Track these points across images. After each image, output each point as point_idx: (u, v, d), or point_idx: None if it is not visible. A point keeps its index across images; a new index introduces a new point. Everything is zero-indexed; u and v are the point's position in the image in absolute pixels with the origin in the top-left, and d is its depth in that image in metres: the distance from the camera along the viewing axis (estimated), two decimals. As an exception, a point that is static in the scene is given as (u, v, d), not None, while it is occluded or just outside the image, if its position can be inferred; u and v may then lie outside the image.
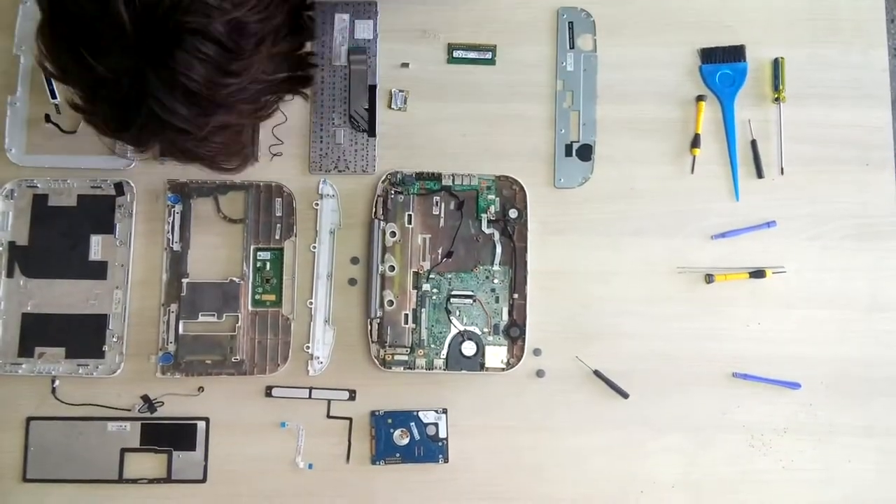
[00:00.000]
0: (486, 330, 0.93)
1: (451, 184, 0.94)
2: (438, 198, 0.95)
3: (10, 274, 0.93)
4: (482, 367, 0.92)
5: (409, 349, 0.92)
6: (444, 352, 0.93)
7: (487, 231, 0.94)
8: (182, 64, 0.53)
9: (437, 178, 0.94)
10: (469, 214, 0.95)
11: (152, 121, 0.59)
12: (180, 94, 0.55)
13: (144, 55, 0.52)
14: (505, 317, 0.94)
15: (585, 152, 0.97)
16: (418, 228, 0.94)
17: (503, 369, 0.93)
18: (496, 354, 0.93)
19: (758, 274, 0.95)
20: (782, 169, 0.97)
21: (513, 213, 0.94)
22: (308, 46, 0.63)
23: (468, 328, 0.93)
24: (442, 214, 0.95)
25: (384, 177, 0.94)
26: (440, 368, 0.92)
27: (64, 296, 0.93)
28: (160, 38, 0.52)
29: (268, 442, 0.92)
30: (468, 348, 0.93)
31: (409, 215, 0.94)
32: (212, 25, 0.52)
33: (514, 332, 0.93)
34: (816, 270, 0.96)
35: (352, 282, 0.94)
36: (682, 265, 0.96)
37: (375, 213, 0.93)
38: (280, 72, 0.61)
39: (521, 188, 0.94)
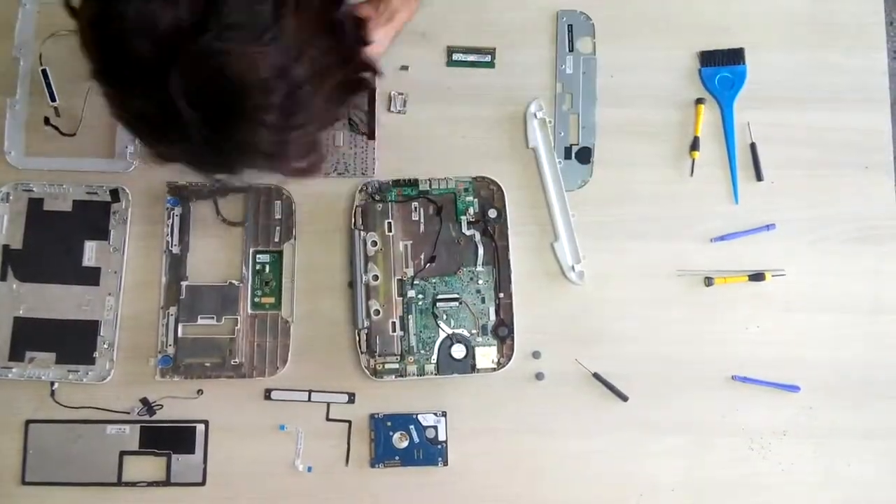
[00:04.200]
0: (474, 331, 0.93)
1: (428, 188, 0.94)
2: (417, 203, 0.95)
3: (2, 277, 0.93)
4: (473, 368, 0.92)
5: (399, 357, 0.92)
6: (435, 356, 0.93)
7: (468, 233, 0.94)
8: (247, 134, 0.54)
9: (413, 183, 0.94)
10: (448, 218, 0.94)
11: (233, 163, 0.60)
12: (251, 150, 0.56)
13: (210, 133, 0.53)
14: (492, 317, 0.94)
15: (585, 155, 0.97)
16: (399, 235, 0.94)
17: (494, 369, 0.93)
18: (486, 355, 0.93)
19: (757, 277, 0.95)
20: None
21: (492, 213, 0.94)
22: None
23: (456, 331, 0.93)
24: (421, 220, 0.95)
25: (360, 187, 0.94)
26: (432, 373, 0.92)
27: (56, 301, 0.93)
28: (223, 119, 0.53)
29: (267, 445, 0.92)
30: (458, 351, 0.93)
31: (389, 223, 0.94)
32: (269, 102, 0.53)
33: (503, 332, 0.93)
34: (816, 273, 0.96)
35: (351, 284, 0.94)
36: (681, 268, 0.96)
37: (354, 223, 0.93)
38: (341, 102, 0.61)
39: (499, 188, 0.94)
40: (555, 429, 0.93)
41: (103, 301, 0.93)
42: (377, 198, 0.94)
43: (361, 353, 0.92)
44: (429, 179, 0.95)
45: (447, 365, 0.92)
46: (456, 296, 0.94)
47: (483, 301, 0.94)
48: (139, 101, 0.53)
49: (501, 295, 0.93)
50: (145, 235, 0.94)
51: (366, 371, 0.92)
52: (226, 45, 0.51)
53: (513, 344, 0.93)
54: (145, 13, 0.50)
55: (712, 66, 0.98)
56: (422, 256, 0.94)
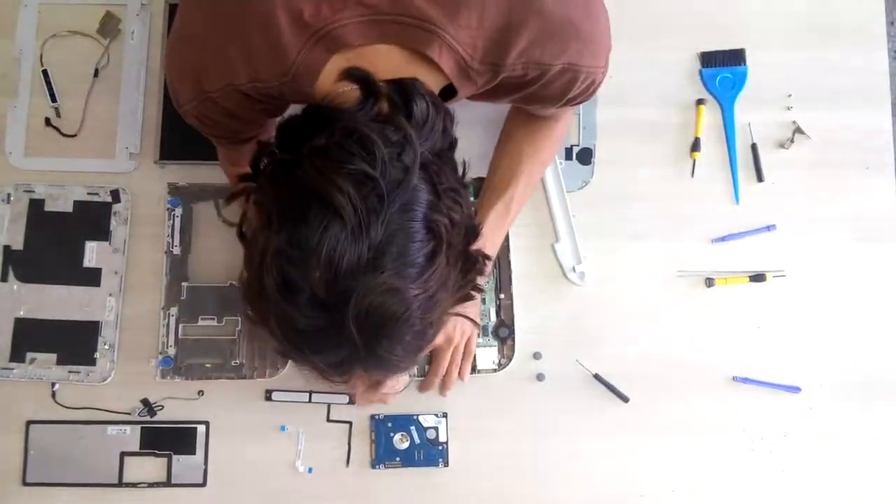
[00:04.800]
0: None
1: None
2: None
3: (3, 278, 0.93)
4: (474, 369, 0.92)
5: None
6: None
7: None
8: (386, 349, 0.60)
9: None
10: None
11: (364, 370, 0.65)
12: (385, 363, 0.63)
13: (357, 349, 0.59)
14: (493, 318, 0.94)
15: (586, 156, 0.97)
16: None
17: (495, 370, 0.93)
18: (487, 356, 0.93)
19: (758, 278, 0.95)
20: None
21: None
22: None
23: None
24: None
25: None
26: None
27: (57, 302, 0.93)
28: (377, 341, 0.60)
29: (268, 445, 0.92)
30: None
31: None
32: (409, 321, 0.59)
33: (503, 333, 0.93)
34: (816, 274, 0.96)
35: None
36: (682, 269, 0.96)
37: None
38: (459, 294, 0.67)
39: None
40: (555, 430, 0.93)
41: (104, 302, 0.93)
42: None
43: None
44: None
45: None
46: None
47: (484, 302, 0.94)
48: (306, 320, 0.59)
49: (502, 296, 0.93)
50: (146, 236, 0.94)
51: None
52: (397, 283, 0.58)
53: (513, 345, 0.93)
54: (336, 242, 0.56)
55: (713, 66, 0.98)
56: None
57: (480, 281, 0.70)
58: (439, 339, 0.89)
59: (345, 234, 0.56)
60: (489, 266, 0.80)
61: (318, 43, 0.64)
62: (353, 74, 0.63)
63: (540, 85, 0.70)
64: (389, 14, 0.63)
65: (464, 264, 0.64)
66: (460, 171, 0.66)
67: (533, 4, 0.66)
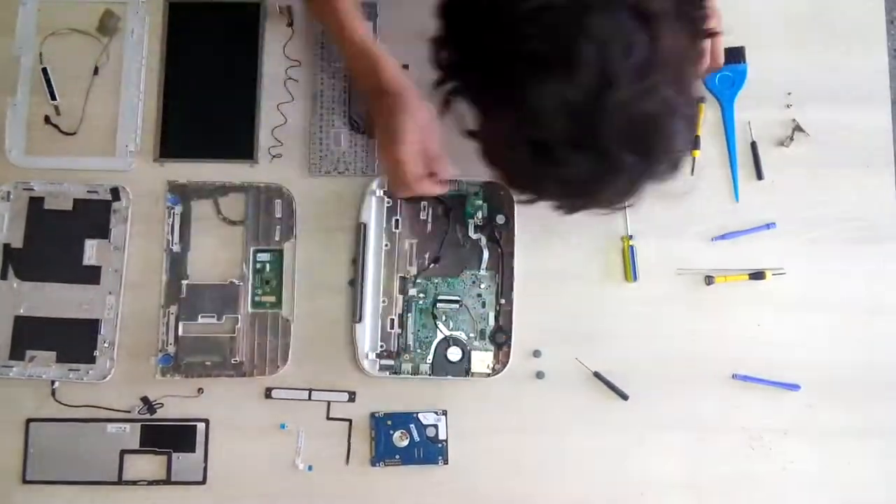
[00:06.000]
0: (472, 335, 0.93)
1: None
2: (426, 203, 0.95)
3: (3, 276, 0.93)
4: (468, 372, 0.93)
5: (395, 354, 0.93)
6: (430, 357, 0.93)
7: (474, 237, 0.94)
8: (669, 144, 0.61)
9: None
10: (456, 220, 0.94)
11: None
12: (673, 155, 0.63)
13: (642, 164, 0.60)
14: (491, 322, 0.94)
15: (585, 154, 0.97)
16: (405, 233, 0.94)
17: (488, 375, 0.93)
18: (482, 360, 0.93)
19: (757, 276, 0.95)
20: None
21: (500, 219, 0.94)
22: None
23: (454, 334, 0.93)
24: (429, 219, 0.95)
25: (377, 182, 0.94)
26: (426, 373, 0.92)
27: (57, 300, 0.93)
28: (650, 149, 0.60)
29: (267, 443, 0.92)
30: (454, 354, 0.93)
31: (397, 220, 0.94)
32: (677, 112, 0.59)
33: (500, 338, 0.93)
34: (816, 272, 0.96)
35: (352, 283, 0.94)
36: (681, 267, 0.96)
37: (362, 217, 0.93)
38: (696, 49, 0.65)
39: (509, 193, 0.94)
40: (555, 427, 0.93)
41: (104, 300, 0.93)
42: (388, 193, 0.94)
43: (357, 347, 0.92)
44: None
45: (442, 366, 0.93)
46: (457, 298, 0.94)
47: (483, 306, 0.94)
48: (574, 167, 0.58)
49: (503, 301, 0.93)
50: (146, 234, 0.94)
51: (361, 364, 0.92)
52: (670, 93, 0.57)
53: (509, 351, 0.93)
54: (611, 62, 0.55)
55: (713, 64, 0.98)
56: (426, 256, 0.94)
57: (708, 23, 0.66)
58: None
59: (616, 51, 0.55)
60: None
61: None
62: None
63: None
64: None
65: (688, 24, 0.61)
66: None
67: None
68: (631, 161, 0.57)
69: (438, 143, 0.83)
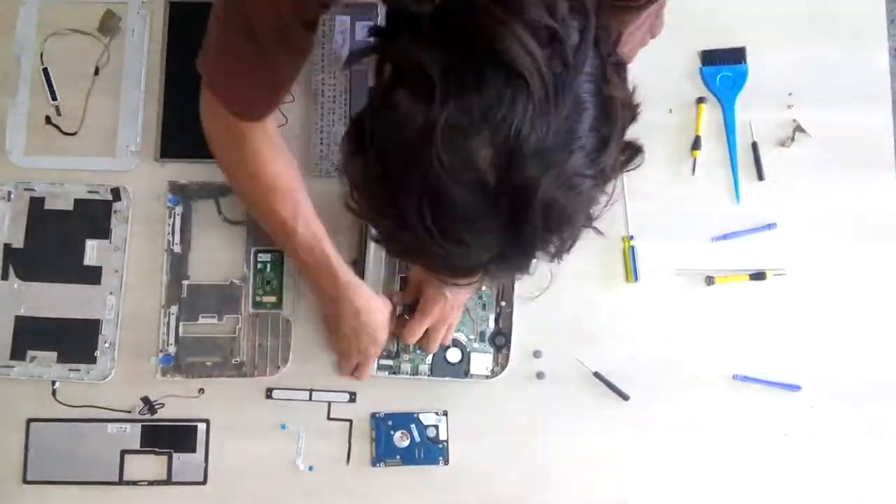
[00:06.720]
0: (471, 337, 0.93)
1: None
2: None
3: (4, 276, 0.93)
4: (467, 374, 0.92)
5: (395, 354, 0.93)
6: (430, 358, 0.93)
7: None
8: (544, 244, 0.53)
9: None
10: None
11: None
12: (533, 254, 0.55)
13: (514, 242, 0.52)
14: (491, 325, 0.94)
15: None
16: None
17: (488, 377, 0.93)
18: (481, 362, 0.93)
19: (758, 276, 0.95)
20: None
21: None
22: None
23: (454, 336, 0.93)
24: None
25: None
26: (425, 374, 0.92)
27: (58, 300, 0.93)
28: (546, 236, 0.52)
29: (268, 444, 0.92)
30: (453, 355, 0.93)
31: None
32: (582, 217, 0.53)
33: (500, 341, 0.93)
34: (817, 273, 0.96)
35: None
36: (682, 267, 0.96)
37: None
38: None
39: None
40: (555, 428, 0.93)
41: (104, 300, 0.93)
42: None
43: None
44: None
45: (441, 368, 0.93)
46: None
47: (484, 308, 0.94)
48: (472, 205, 0.49)
49: (503, 303, 0.93)
50: (146, 234, 0.94)
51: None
52: (582, 166, 0.50)
53: (508, 354, 0.93)
54: (520, 121, 0.47)
55: (713, 65, 0.98)
56: None
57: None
58: (435, 313, 0.89)
59: (531, 107, 0.47)
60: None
61: None
62: None
63: None
64: None
65: (626, 151, 0.57)
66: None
67: None
68: (528, 231, 0.51)
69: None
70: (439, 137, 0.47)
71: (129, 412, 0.92)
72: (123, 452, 0.91)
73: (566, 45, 0.47)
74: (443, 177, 0.48)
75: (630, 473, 0.92)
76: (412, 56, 0.49)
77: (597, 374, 0.93)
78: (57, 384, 0.92)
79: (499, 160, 0.48)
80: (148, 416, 0.92)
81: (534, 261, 0.56)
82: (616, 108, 0.52)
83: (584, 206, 0.53)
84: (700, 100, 0.98)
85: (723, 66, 0.98)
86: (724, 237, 0.96)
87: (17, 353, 0.92)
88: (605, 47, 0.52)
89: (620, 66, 0.54)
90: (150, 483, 0.91)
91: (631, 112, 0.56)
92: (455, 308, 0.90)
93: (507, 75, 0.46)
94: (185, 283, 0.93)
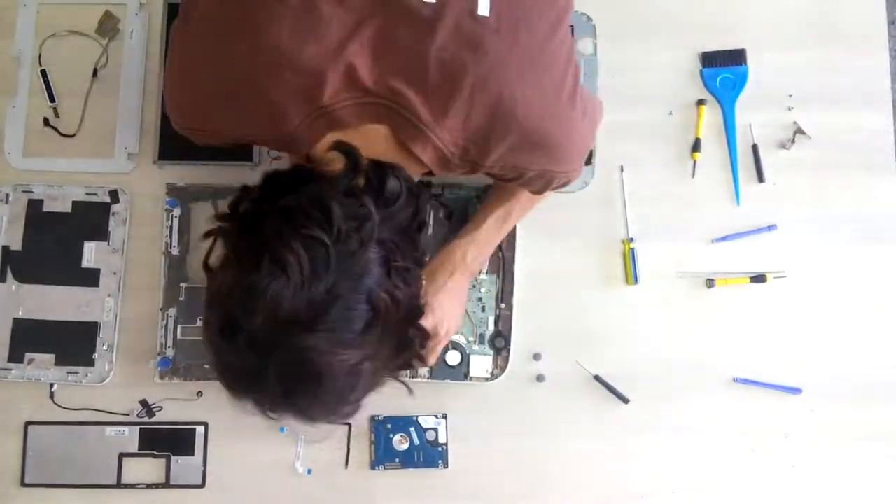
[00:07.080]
0: (471, 339, 0.93)
1: (440, 192, 0.94)
2: (428, 206, 0.94)
3: (2, 278, 0.93)
4: (466, 376, 0.92)
5: None
6: None
7: None
8: (302, 404, 0.66)
9: (426, 186, 0.94)
10: (459, 223, 0.94)
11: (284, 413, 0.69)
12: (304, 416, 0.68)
13: (283, 399, 0.65)
14: (491, 327, 0.93)
15: (587, 157, 0.96)
16: None
17: (487, 379, 0.92)
18: (481, 364, 0.93)
19: (759, 278, 0.95)
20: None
21: None
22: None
23: (453, 337, 0.92)
24: (431, 222, 0.94)
25: None
26: (424, 377, 0.92)
27: (56, 302, 0.93)
28: (298, 394, 0.65)
29: (267, 447, 0.91)
30: (452, 358, 0.92)
31: None
32: (330, 383, 0.64)
33: (500, 343, 0.93)
34: (817, 275, 0.95)
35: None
36: (682, 269, 0.95)
37: None
38: (391, 365, 0.71)
39: None
40: (556, 431, 0.92)
41: (103, 302, 0.93)
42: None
43: None
44: (441, 184, 0.94)
45: (441, 370, 0.92)
46: None
47: (483, 310, 0.93)
48: (237, 358, 0.64)
49: (503, 306, 0.93)
50: (145, 237, 0.94)
51: None
52: (325, 345, 0.62)
53: (508, 356, 0.92)
54: (278, 294, 0.61)
55: (714, 67, 0.98)
56: (427, 259, 0.93)
57: (424, 358, 0.78)
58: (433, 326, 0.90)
59: (288, 289, 0.61)
60: (442, 339, 0.85)
61: (319, 119, 0.68)
62: (342, 148, 0.67)
63: (517, 180, 0.76)
64: (388, 100, 0.67)
65: (399, 342, 0.69)
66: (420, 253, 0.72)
67: (514, 116, 0.69)
68: (276, 388, 0.64)
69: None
70: (220, 300, 0.66)
71: (128, 415, 0.91)
72: (121, 455, 0.91)
73: (331, 250, 0.62)
74: (220, 335, 0.65)
75: (630, 476, 0.92)
76: (228, 236, 0.69)
77: (597, 377, 0.93)
78: (55, 387, 0.92)
79: (264, 324, 0.62)
80: (146, 419, 0.91)
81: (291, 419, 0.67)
82: (382, 304, 0.64)
83: (336, 373, 0.64)
84: (700, 102, 0.98)
85: (723, 67, 0.98)
86: (725, 239, 0.96)
87: (15, 356, 0.92)
88: (398, 255, 0.67)
89: (404, 271, 0.67)
90: (149, 486, 0.90)
91: (408, 310, 0.68)
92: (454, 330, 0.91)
93: (275, 263, 0.62)
94: (184, 285, 0.93)
